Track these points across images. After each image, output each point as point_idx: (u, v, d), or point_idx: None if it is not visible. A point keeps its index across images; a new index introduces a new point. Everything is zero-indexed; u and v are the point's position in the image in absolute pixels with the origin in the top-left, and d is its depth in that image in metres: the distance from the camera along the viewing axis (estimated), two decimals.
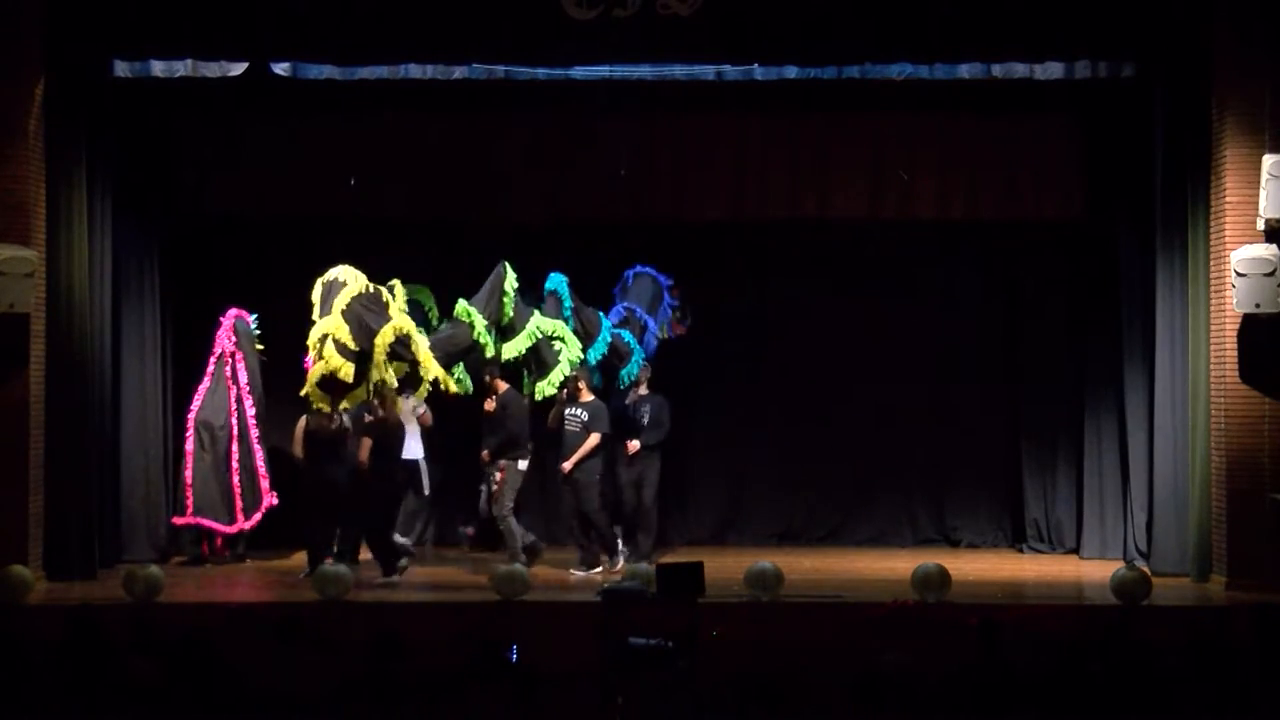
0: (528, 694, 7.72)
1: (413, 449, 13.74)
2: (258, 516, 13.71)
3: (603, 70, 13.26)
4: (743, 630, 10.21)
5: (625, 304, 13.84)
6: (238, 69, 12.93)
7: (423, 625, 10.08)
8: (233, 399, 13.70)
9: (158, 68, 12.98)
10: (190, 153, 14.25)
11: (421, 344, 12.72)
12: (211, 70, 12.96)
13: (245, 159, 14.19)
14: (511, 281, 13.13)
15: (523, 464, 13.24)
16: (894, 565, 13.02)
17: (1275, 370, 12.15)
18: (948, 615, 10.64)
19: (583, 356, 13.22)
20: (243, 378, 13.77)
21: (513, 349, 13.12)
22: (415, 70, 13.13)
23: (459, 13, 12.71)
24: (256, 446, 13.73)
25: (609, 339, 13.41)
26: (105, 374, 13.20)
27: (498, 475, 13.23)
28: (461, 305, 13.00)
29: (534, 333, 13.12)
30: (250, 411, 13.73)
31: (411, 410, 13.55)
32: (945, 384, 15.10)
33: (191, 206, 14.29)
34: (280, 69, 12.97)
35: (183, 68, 12.96)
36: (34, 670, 7.90)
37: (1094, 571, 13.05)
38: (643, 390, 13.68)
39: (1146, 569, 12.39)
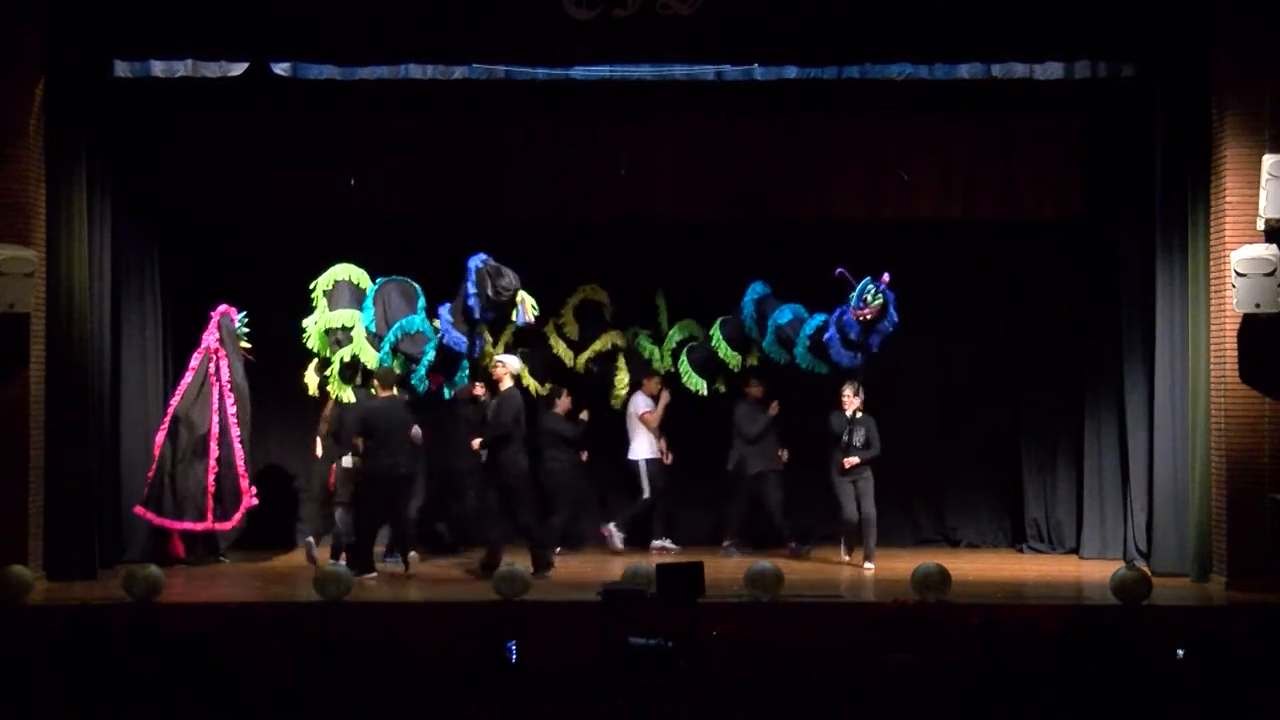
0: (528, 694, 7.72)
1: (636, 449, 14.22)
2: (237, 517, 13.67)
3: (603, 70, 13.24)
4: (743, 630, 10.21)
5: (442, 307, 13.54)
6: (238, 69, 12.92)
7: (423, 625, 10.09)
8: (215, 396, 13.63)
9: (158, 68, 12.97)
10: (190, 153, 14.25)
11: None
12: (211, 70, 12.95)
13: (245, 159, 14.19)
14: (325, 282, 13.57)
15: (345, 460, 13.25)
16: (894, 565, 13.02)
17: (1275, 370, 12.15)
18: (948, 615, 10.64)
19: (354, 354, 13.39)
20: (224, 375, 13.69)
21: (313, 341, 13.66)
22: (415, 70, 13.12)
23: (459, 13, 12.71)
24: (238, 446, 13.66)
25: (392, 341, 13.29)
26: (105, 374, 13.19)
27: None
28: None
29: (321, 326, 13.52)
30: (231, 410, 13.65)
31: (636, 413, 14.21)
32: (945, 384, 15.10)
33: (191, 206, 14.29)
34: (280, 69, 12.96)
35: (183, 68, 12.95)
36: (34, 670, 7.90)
37: (1094, 571, 13.04)
38: (504, 386, 13.18)
39: (1146, 569, 12.39)
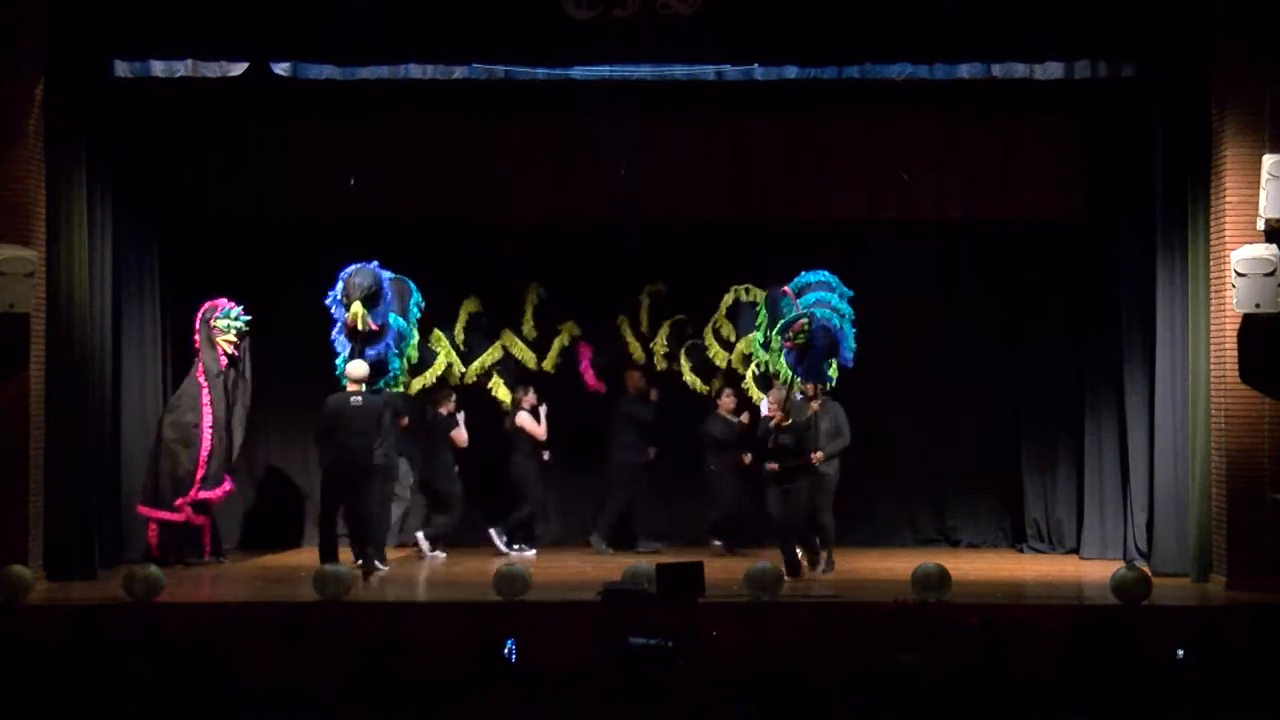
0: (528, 694, 7.71)
1: None
2: (188, 510, 13.57)
3: (603, 70, 13.24)
4: (743, 630, 10.21)
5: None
6: (238, 69, 12.91)
7: (423, 625, 10.09)
8: (196, 391, 13.63)
9: (158, 68, 12.97)
10: (190, 153, 14.27)
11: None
12: (211, 70, 12.94)
13: (245, 159, 14.21)
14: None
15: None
16: (894, 565, 13.01)
17: (1275, 370, 12.15)
18: (948, 615, 10.64)
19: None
20: (199, 369, 13.67)
21: None
22: (415, 70, 13.10)
23: (459, 13, 12.70)
24: (206, 439, 13.56)
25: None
26: (105, 374, 13.19)
27: None
28: None
29: None
30: (205, 404, 13.58)
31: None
32: (945, 384, 15.09)
33: (191, 206, 14.31)
34: (280, 69, 12.95)
35: (183, 68, 12.94)
36: (34, 670, 7.90)
37: (1094, 571, 13.05)
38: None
39: (1146, 569, 12.39)
